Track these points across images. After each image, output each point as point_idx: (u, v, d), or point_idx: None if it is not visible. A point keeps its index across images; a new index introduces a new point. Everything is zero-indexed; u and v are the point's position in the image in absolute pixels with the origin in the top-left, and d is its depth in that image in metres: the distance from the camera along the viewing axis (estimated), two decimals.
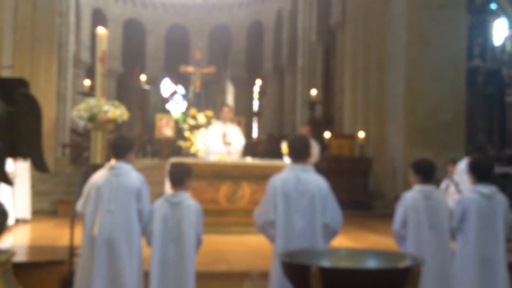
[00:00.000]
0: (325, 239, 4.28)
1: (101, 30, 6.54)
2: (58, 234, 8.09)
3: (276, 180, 4.29)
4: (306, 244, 4.14)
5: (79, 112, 6.28)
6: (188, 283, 4.38)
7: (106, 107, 6.20)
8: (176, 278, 4.35)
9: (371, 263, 3.39)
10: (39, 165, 4.39)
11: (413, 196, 4.80)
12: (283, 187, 4.23)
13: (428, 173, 4.84)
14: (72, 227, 5.68)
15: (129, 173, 4.52)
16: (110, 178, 4.47)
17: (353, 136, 14.16)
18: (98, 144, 6.29)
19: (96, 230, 4.37)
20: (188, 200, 4.52)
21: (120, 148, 4.59)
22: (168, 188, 8.36)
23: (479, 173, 4.87)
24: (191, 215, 4.46)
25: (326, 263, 3.36)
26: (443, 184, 8.88)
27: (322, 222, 4.24)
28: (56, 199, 11.82)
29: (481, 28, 17.63)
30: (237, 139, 9.51)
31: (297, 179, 4.25)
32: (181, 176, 4.54)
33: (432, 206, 4.74)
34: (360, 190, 13.04)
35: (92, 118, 6.22)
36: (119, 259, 4.34)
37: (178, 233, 4.39)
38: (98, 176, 4.55)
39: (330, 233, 4.31)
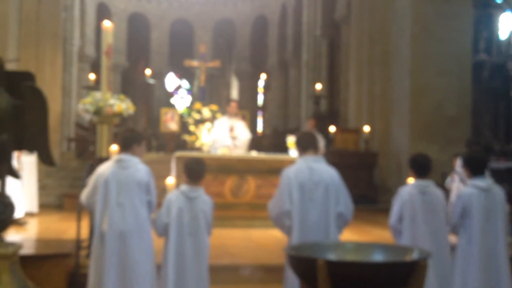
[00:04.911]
0: (337, 229, 4.34)
1: (107, 24, 6.53)
2: (64, 228, 8.12)
3: (290, 171, 4.34)
4: (321, 234, 4.19)
5: (84, 105, 6.26)
6: (204, 276, 4.47)
7: (112, 101, 6.19)
8: (193, 271, 4.40)
9: (378, 257, 3.39)
10: (45, 159, 4.40)
11: (409, 191, 4.81)
12: (297, 177, 4.27)
13: (424, 168, 4.84)
14: (78, 220, 5.71)
15: (137, 166, 4.53)
16: (117, 171, 4.47)
17: (358, 130, 14.12)
18: (103, 137, 6.28)
19: (106, 223, 4.38)
20: (204, 195, 4.59)
21: (125, 140, 4.60)
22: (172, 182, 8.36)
23: (474, 167, 4.86)
24: (207, 210, 4.54)
25: (332, 256, 3.36)
26: (449, 178, 8.85)
27: (336, 211, 4.29)
28: (62, 193, 11.85)
29: (486, 22, 17.53)
30: (243, 133, 9.54)
31: (310, 169, 4.30)
32: (201, 173, 4.60)
33: (428, 200, 4.75)
34: (365, 184, 13.01)
35: (97, 112, 6.20)
36: (131, 252, 4.35)
37: (195, 227, 4.45)
38: (105, 168, 4.55)
39: (343, 222, 4.37)
